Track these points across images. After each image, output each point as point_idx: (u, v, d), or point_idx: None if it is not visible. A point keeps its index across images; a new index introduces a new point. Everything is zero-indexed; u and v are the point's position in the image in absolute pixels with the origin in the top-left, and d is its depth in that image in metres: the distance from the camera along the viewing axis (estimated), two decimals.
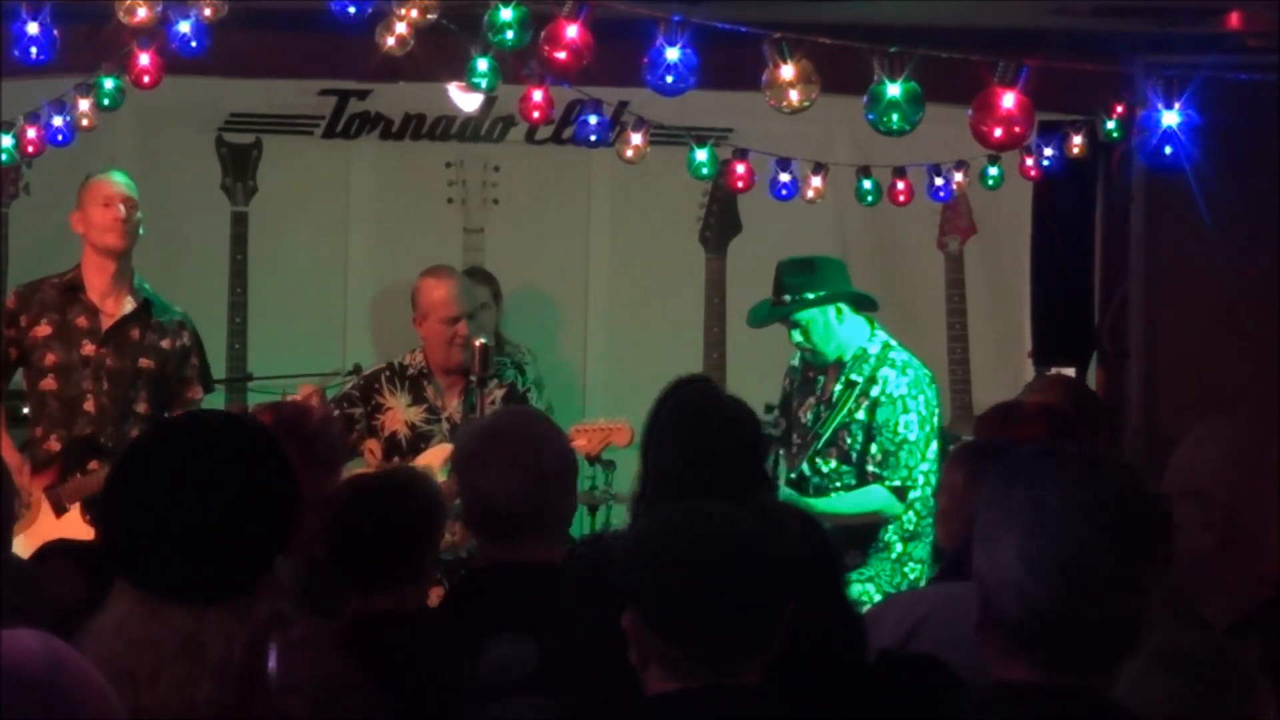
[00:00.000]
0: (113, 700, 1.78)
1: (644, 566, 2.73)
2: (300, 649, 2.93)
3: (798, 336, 6.10)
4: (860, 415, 5.99)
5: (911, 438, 5.95)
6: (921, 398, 6.01)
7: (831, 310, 6.03)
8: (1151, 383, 7.73)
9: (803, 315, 6.03)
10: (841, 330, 6.05)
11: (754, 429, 4.29)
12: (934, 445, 6.03)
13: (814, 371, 6.19)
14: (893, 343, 6.11)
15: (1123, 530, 2.28)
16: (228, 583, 2.65)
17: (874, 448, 5.97)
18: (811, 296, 6.01)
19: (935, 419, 6.07)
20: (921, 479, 5.96)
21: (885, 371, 6.01)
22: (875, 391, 5.98)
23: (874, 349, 6.06)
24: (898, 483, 5.94)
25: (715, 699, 2.65)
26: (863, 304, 6.15)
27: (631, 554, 2.80)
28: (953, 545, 4.11)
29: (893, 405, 5.96)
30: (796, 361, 6.31)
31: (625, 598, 2.72)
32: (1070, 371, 7.23)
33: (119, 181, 6.28)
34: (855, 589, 5.84)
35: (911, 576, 5.99)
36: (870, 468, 5.97)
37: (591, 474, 7.02)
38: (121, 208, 6.17)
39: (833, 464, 6.01)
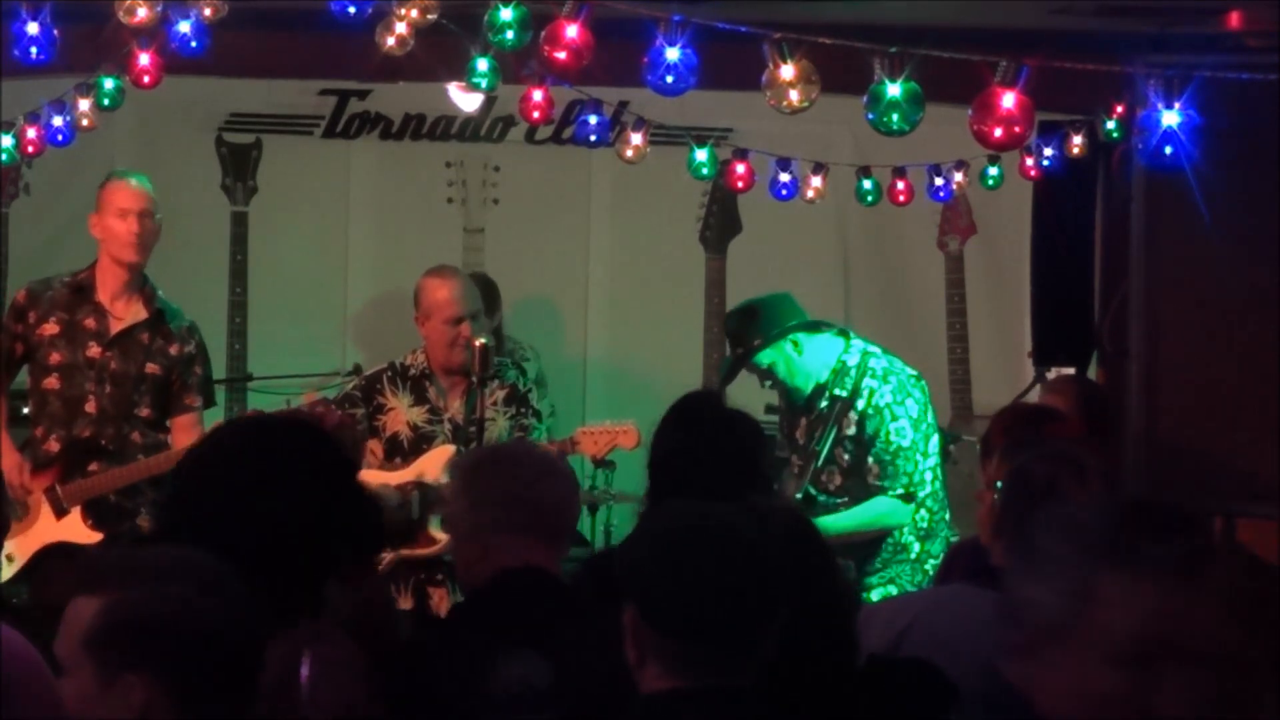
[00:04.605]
0: (49, 686, 1.75)
1: (646, 562, 2.73)
2: (332, 669, 3.00)
3: (768, 384, 6.04)
4: (850, 430, 5.91)
5: (905, 444, 5.87)
6: (909, 400, 5.92)
7: (788, 345, 5.93)
8: (1151, 383, 7.73)
9: (762, 359, 5.95)
10: (806, 360, 5.95)
11: (750, 433, 4.34)
12: (934, 440, 5.97)
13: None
14: (872, 349, 6.01)
15: None
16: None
17: (870, 460, 5.89)
18: (758, 342, 5.93)
19: (930, 415, 6.01)
20: (930, 476, 5.92)
21: (868, 382, 5.90)
22: (861, 405, 5.88)
23: (853, 359, 5.96)
24: (900, 490, 5.87)
25: (709, 698, 2.66)
26: (819, 325, 6.03)
27: (634, 549, 2.81)
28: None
29: (879, 416, 5.87)
30: None
31: (626, 593, 2.72)
32: (1070, 371, 7.22)
33: (135, 189, 6.09)
34: (877, 592, 5.82)
35: (932, 574, 5.93)
36: (871, 480, 5.91)
37: (591, 474, 7.02)
38: (136, 220, 6.03)
39: (836, 481, 5.95)
